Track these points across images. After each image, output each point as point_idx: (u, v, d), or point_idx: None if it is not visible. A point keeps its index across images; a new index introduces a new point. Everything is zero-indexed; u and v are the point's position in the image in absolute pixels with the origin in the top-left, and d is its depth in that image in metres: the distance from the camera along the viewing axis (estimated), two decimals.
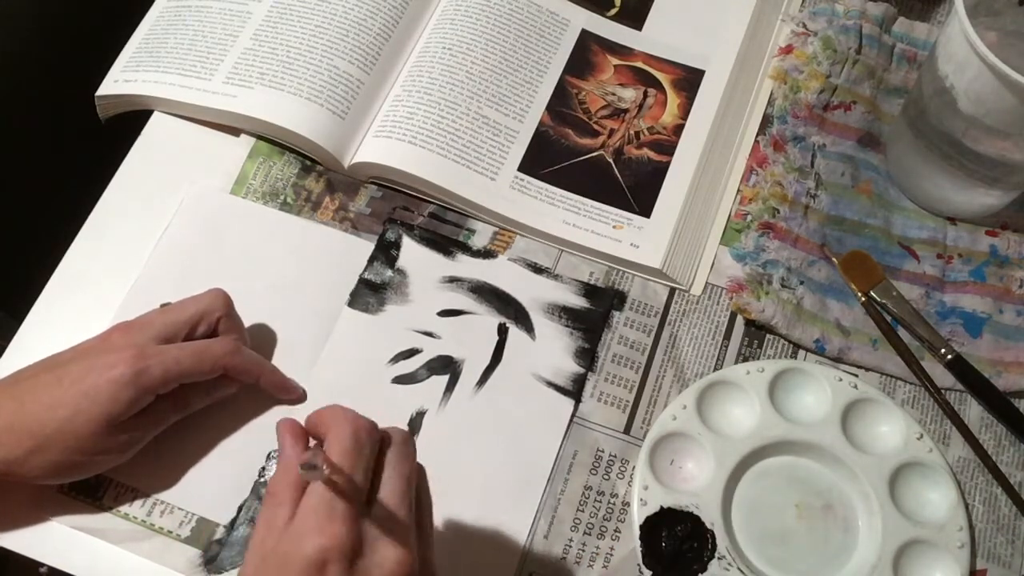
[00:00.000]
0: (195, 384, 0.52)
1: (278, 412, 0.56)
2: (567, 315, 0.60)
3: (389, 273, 0.61)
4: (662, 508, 0.54)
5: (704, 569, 0.53)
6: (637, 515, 0.54)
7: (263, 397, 0.56)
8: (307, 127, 0.61)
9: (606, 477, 0.56)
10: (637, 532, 0.53)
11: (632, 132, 0.65)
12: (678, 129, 0.65)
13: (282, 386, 0.56)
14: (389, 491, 0.41)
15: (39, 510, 0.53)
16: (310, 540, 0.38)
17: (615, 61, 0.67)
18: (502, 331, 0.59)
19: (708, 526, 0.54)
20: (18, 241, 0.73)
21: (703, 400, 0.57)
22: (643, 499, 0.54)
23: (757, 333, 0.61)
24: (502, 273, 0.61)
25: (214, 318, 0.53)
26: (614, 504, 0.56)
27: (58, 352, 0.51)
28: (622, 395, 0.58)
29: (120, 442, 0.50)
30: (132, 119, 0.65)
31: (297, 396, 0.56)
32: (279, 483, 0.40)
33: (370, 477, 0.40)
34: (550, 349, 0.59)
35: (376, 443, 0.42)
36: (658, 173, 0.64)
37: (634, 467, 0.56)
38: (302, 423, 0.44)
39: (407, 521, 0.40)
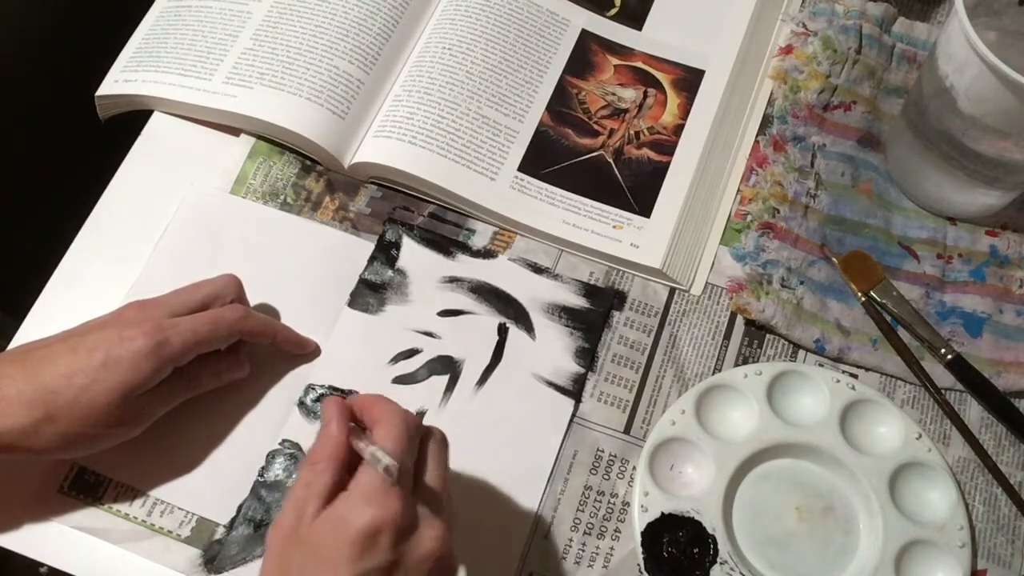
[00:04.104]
0: (207, 364, 0.53)
1: (277, 413, 0.56)
2: (567, 315, 0.60)
3: (389, 273, 0.61)
4: (663, 514, 0.54)
5: (706, 574, 0.53)
6: (638, 522, 0.54)
7: (263, 397, 0.57)
8: (307, 127, 0.61)
9: (606, 477, 0.56)
10: (639, 539, 0.53)
11: (632, 132, 0.65)
12: (678, 129, 0.65)
13: (297, 342, 0.57)
14: (432, 478, 0.44)
15: (39, 510, 0.53)
16: (369, 510, 0.41)
17: (615, 61, 0.67)
18: (502, 331, 0.59)
19: (709, 531, 0.54)
20: (18, 241, 0.73)
21: (701, 404, 0.57)
22: (644, 505, 0.54)
23: (757, 333, 0.61)
24: (502, 273, 0.61)
25: (226, 301, 0.54)
26: (614, 504, 0.56)
27: (68, 328, 0.51)
28: (622, 395, 0.58)
29: (131, 417, 0.50)
30: (132, 119, 0.65)
31: (311, 350, 0.58)
32: (321, 452, 0.44)
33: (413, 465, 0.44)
34: (550, 349, 0.59)
35: (420, 435, 0.45)
36: (658, 173, 0.64)
37: (634, 467, 0.56)
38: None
39: (444, 506, 0.44)
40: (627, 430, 0.58)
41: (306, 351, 0.58)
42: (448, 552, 0.43)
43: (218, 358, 0.54)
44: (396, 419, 0.44)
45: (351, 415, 0.46)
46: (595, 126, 0.65)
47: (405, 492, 0.42)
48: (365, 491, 0.42)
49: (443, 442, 0.46)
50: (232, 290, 0.55)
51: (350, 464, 0.44)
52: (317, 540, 0.41)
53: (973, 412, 0.59)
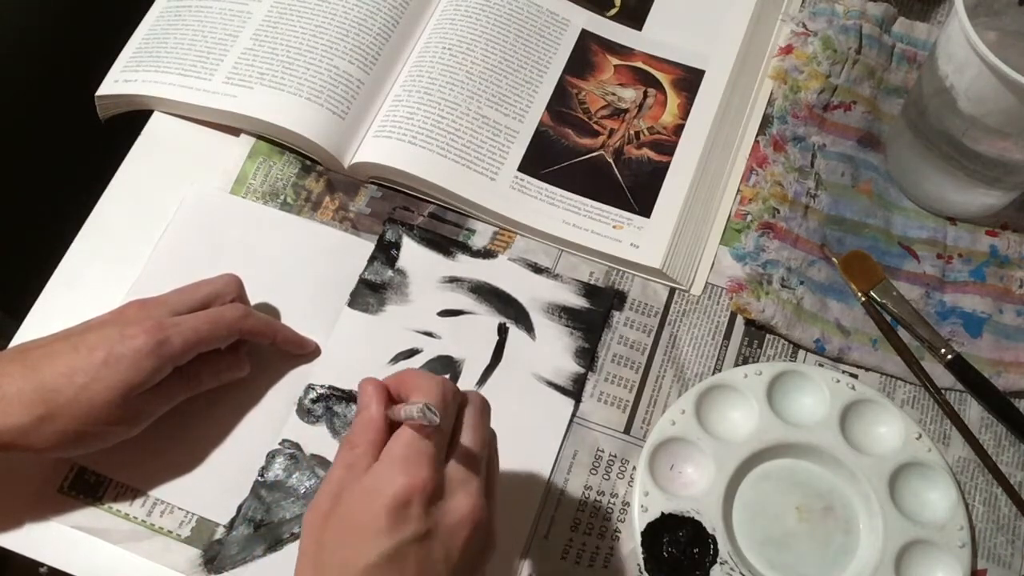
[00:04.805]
0: (207, 363, 0.53)
1: (277, 413, 0.56)
2: (567, 315, 0.60)
3: (389, 273, 0.61)
4: (663, 514, 0.54)
5: (706, 574, 0.53)
6: (638, 522, 0.54)
7: (263, 397, 0.57)
8: (307, 127, 0.61)
9: (606, 477, 0.56)
10: (639, 539, 0.53)
11: (632, 132, 0.65)
12: (678, 129, 0.65)
13: (297, 342, 0.57)
14: (468, 442, 0.43)
15: (39, 510, 0.53)
16: (398, 479, 0.40)
17: (615, 61, 0.67)
18: (502, 331, 0.59)
19: (709, 531, 0.54)
20: (18, 241, 0.73)
21: (701, 404, 0.57)
22: (644, 505, 0.54)
23: (757, 333, 0.61)
24: (502, 273, 0.61)
25: (226, 300, 0.54)
26: (614, 504, 0.56)
27: (69, 327, 0.51)
28: (622, 395, 0.58)
29: (130, 415, 0.50)
30: (132, 119, 0.65)
31: (311, 350, 0.58)
32: (361, 436, 0.43)
33: (450, 432, 0.43)
34: (550, 349, 0.59)
35: (458, 402, 0.44)
36: (658, 173, 0.64)
37: (634, 467, 0.56)
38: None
39: (480, 475, 0.43)
40: (627, 430, 0.58)
41: (306, 351, 0.58)
42: (485, 517, 0.42)
43: (218, 357, 0.54)
44: (431, 383, 0.43)
45: (388, 391, 0.45)
46: (595, 126, 0.65)
47: (434, 458, 0.41)
48: (393, 459, 0.41)
49: (482, 407, 0.45)
50: (232, 289, 0.55)
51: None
52: (350, 513, 0.41)
53: (973, 412, 0.59)
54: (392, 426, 0.43)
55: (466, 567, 0.41)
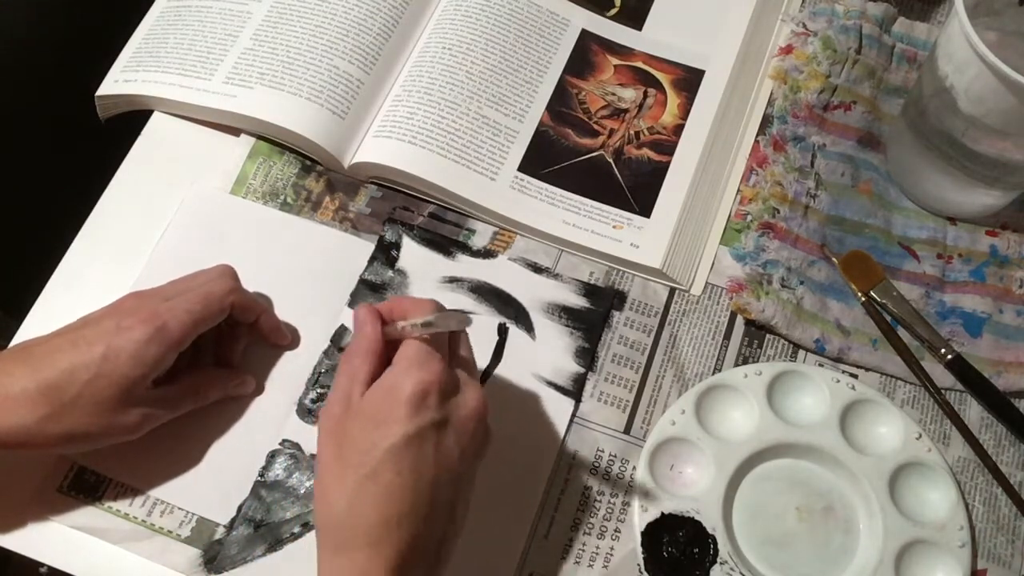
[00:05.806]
0: (213, 377, 0.54)
1: (277, 413, 0.56)
2: (567, 315, 0.60)
3: (389, 273, 0.61)
4: (663, 514, 0.54)
5: (706, 574, 0.53)
6: (638, 522, 0.54)
7: (263, 397, 0.57)
8: (307, 127, 0.61)
9: (606, 477, 0.56)
10: (639, 539, 0.53)
11: (632, 132, 0.65)
12: (678, 129, 0.65)
13: (276, 328, 0.57)
14: (464, 351, 0.50)
15: (39, 510, 0.53)
16: (416, 373, 0.45)
17: (615, 61, 0.67)
18: (502, 331, 0.59)
19: (709, 531, 0.54)
20: (18, 241, 0.73)
21: (702, 404, 0.57)
22: (644, 505, 0.54)
23: (757, 333, 0.61)
24: (502, 273, 0.61)
25: None
26: (614, 504, 0.56)
27: (68, 324, 0.51)
28: (622, 395, 0.58)
29: (135, 416, 0.50)
30: (132, 119, 0.65)
31: (288, 342, 0.58)
32: (359, 347, 0.47)
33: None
34: (550, 349, 0.59)
35: None
36: (658, 173, 0.64)
37: (634, 467, 0.56)
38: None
39: (477, 378, 0.48)
40: (627, 430, 0.58)
41: (283, 340, 0.58)
42: (487, 413, 0.47)
43: (227, 375, 0.55)
44: (425, 304, 0.48)
45: (380, 315, 0.48)
46: (595, 126, 0.65)
47: (443, 359, 0.46)
48: (410, 359, 0.45)
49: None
50: (228, 279, 0.55)
51: (386, 359, 0.47)
52: (372, 408, 0.45)
53: (973, 412, 0.59)
54: (387, 345, 0.47)
55: (472, 453, 0.46)
